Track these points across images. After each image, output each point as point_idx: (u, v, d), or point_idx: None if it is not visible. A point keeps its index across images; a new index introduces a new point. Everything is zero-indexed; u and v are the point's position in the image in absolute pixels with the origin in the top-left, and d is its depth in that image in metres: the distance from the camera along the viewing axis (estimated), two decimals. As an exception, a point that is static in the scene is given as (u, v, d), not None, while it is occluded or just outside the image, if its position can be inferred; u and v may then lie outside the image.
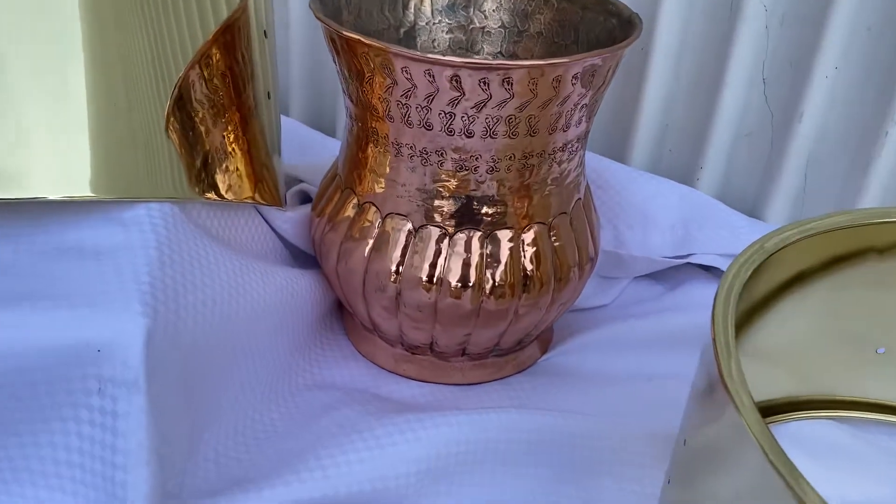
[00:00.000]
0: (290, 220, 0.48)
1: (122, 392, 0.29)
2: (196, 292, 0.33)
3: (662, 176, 0.58)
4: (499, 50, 0.51)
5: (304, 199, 0.56)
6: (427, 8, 0.50)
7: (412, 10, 0.50)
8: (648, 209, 0.54)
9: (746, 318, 0.39)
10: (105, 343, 0.29)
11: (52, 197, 0.32)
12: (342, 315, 0.52)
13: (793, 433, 0.44)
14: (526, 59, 0.50)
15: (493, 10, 0.50)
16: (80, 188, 0.33)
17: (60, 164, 0.33)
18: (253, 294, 0.39)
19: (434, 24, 0.51)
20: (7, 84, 0.32)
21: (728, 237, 0.53)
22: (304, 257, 0.52)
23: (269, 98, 0.44)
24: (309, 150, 0.65)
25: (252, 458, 0.36)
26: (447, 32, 0.51)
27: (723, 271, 0.53)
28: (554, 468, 0.38)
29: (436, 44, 0.51)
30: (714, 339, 0.30)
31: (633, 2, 0.56)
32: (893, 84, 0.49)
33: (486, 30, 0.51)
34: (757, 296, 0.38)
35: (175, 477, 0.32)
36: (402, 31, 0.50)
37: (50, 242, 0.32)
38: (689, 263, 0.54)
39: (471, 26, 0.51)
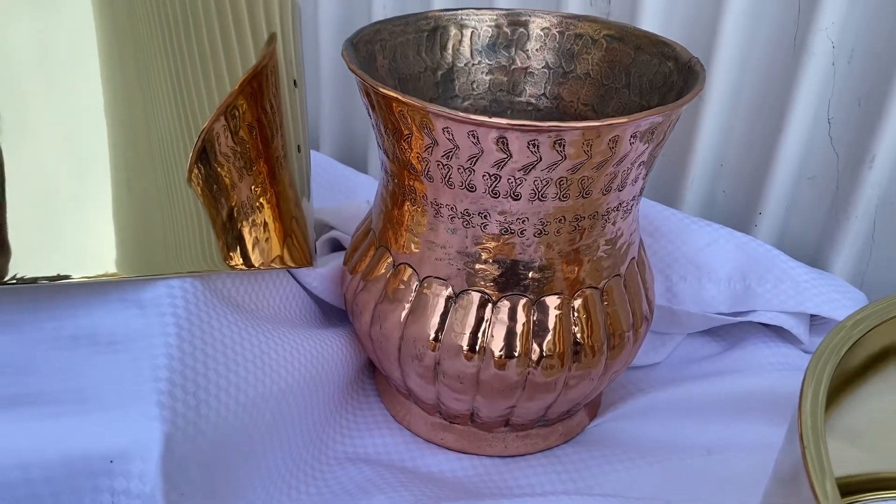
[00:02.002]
0: (319, 276, 0.45)
1: (137, 509, 0.26)
2: (219, 380, 0.30)
3: (717, 219, 0.54)
4: (542, 92, 0.48)
5: (335, 246, 0.53)
6: (466, 48, 0.47)
7: (450, 52, 0.47)
8: (703, 259, 0.50)
9: (831, 397, 0.35)
10: (119, 453, 0.26)
11: (76, 277, 0.29)
12: (374, 374, 0.49)
13: (871, 517, 0.40)
14: (572, 101, 0.47)
15: (537, 50, 0.47)
16: (101, 266, 0.30)
17: (79, 240, 0.30)
18: (281, 371, 0.36)
19: (473, 65, 0.47)
20: (32, 154, 0.29)
21: (791, 292, 0.49)
22: (335, 311, 0.49)
23: (299, 151, 0.41)
24: (339, 187, 0.62)
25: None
26: (487, 73, 0.48)
27: (785, 329, 0.49)
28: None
29: (475, 85, 0.48)
30: (801, 436, 0.27)
31: (687, 34, 0.52)
32: (977, 127, 0.45)
33: (528, 70, 0.48)
34: (843, 374, 0.34)
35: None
36: (439, 73, 0.47)
37: (60, 329, 0.29)
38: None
39: (512, 67, 0.48)
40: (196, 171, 0.35)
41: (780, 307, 0.48)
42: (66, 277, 0.29)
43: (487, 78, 0.48)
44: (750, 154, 0.54)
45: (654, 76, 0.43)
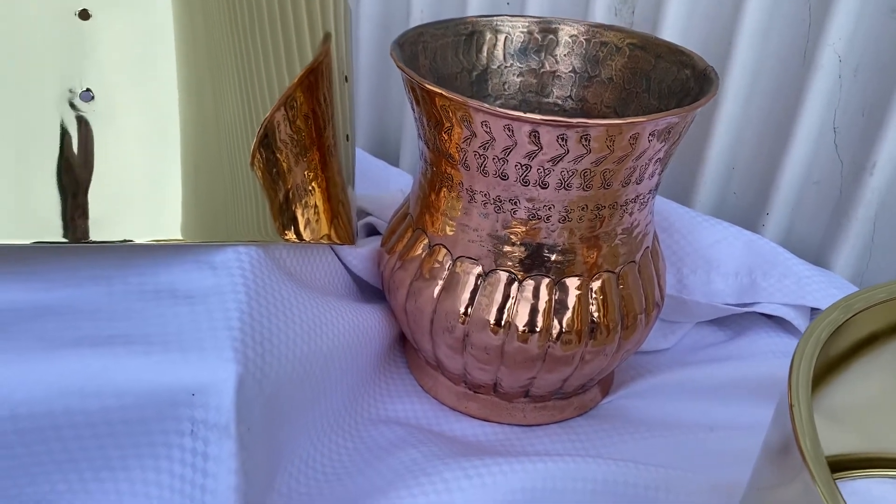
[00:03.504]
0: (359, 255, 0.49)
1: (214, 435, 0.31)
2: (280, 335, 0.35)
3: (727, 218, 0.58)
4: (568, 94, 0.52)
5: (371, 231, 0.58)
6: (500, 52, 0.51)
7: (485, 54, 0.51)
8: (712, 255, 0.54)
9: (820, 377, 0.38)
10: (199, 387, 0.31)
11: (141, 240, 0.34)
12: (405, 349, 0.53)
13: (859, 491, 0.44)
14: (595, 104, 0.51)
15: (565, 55, 0.51)
16: (171, 232, 0.34)
17: (152, 209, 0.34)
18: (328, 334, 0.40)
19: (506, 67, 0.52)
20: (118, 133, 0.33)
21: (793, 287, 0.52)
22: (371, 290, 0.53)
23: (347, 140, 0.46)
24: (373, 179, 0.66)
25: (323, 495, 0.37)
26: (518, 76, 0.52)
27: (787, 321, 0.53)
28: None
29: (507, 86, 0.52)
30: (791, 406, 0.31)
31: (704, 46, 0.56)
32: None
33: (556, 74, 0.52)
34: (832, 356, 0.38)
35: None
36: (474, 73, 0.51)
37: (144, 284, 0.34)
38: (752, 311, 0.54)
39: (542, 70, 0.52)
40: (258, 155, 0.40)
41: (782, 300, 0.52)
42: (136, 240, 0.33)
43: (518, 80, 0.52)
44: (759, 158, 0.57)
45: (673, 82, 0.47)
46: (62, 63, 0.33)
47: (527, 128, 0.37)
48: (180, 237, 0.35)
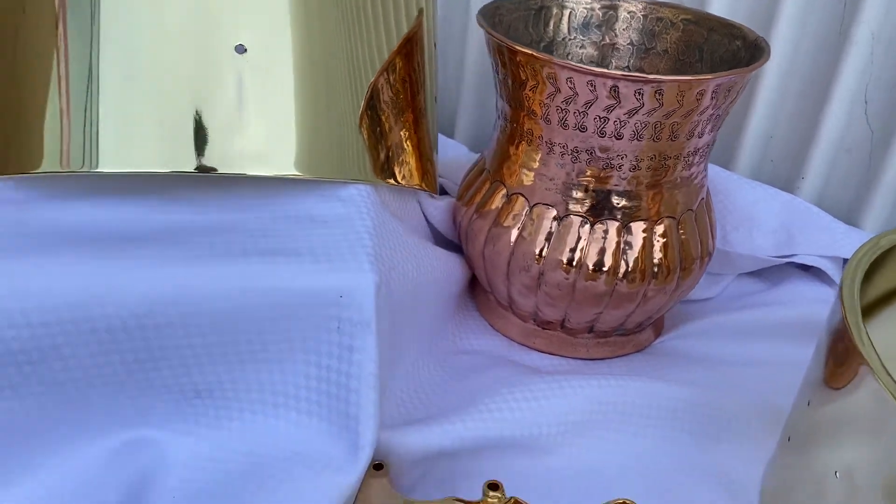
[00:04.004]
0: (438, 207, 0.55)
1: (358, 330, 0.36)
2: (393, 260, 0.40)
3: (765, 182, 0.63)
4: (626, 65, 0.57)
5: (441, 192, 0.63)
6: (565, 25, 0.57)
7: (552, 27, 0.56)
8: (753, 213, 0.60)
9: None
10: (346, 290, 0.36)
11: (281, 174, 0.39)
12: (474, 294, 0.59)
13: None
14: (652, 73, 0.56)
15: (624, 29, 0.57)
16: (303, 169, 0.40)
17: (289, 149, 0.40)
18: (423, 267, 0.45)
19: (570, 39, 0.57)
20: (264, 84, 0.39)
21: (828, 241, 0.58)
22: (444, 242, 0.58)
23: (434, 101, 0.51)
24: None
25: (426, 404, 0.43)
26: (580, 48, 0.57)
27: (822, 271, 0.59)
28: (686, 433, 0.44)
29: (570, 57, 0.57)
30: (844, 315, 0.36)
31: (748, 23, 0.62)
32: None
33: (615, 46, 0.57)
34: (867, 299, 0.43)
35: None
36: (542, 45, 0.57)
37: (287, 210, 0.39)
38: (790, 263, 0.59)
39: (602, 43, 0.57)
40: (366, 113, 0.45)
41: (818, 252, 0.57)
42: (279, 174, 0.39)
43: (581, 51, 0.57)
44: (796, 127, 0.63)
45: (724, 53, 0.52)
46: (225, 21, 0.38)
47: (609, 83, 0.42)
48: (309, 175, 0.40)
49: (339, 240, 0.38)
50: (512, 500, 0.36)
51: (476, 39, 0.71)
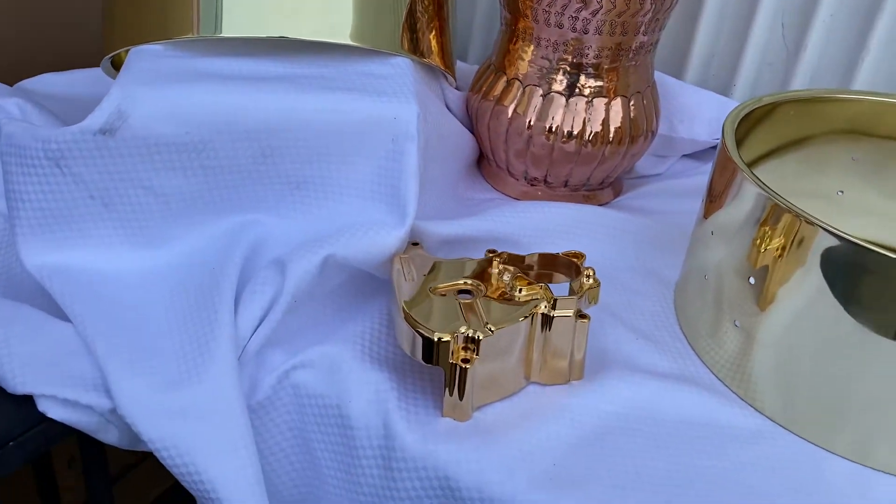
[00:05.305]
0: (454, 94, 0.73)
1: (408, 143, 0.54)
2: (427, 113, 0.58)
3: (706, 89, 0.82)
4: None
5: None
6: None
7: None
8: (695, 110, 0.78)
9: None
10: (398, 114, 0.54)
11: (346, 42, 0.57)
12: (480, 166, 0.77)
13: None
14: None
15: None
16: (358, 39, 0.58)
17: (348, 22, 0.58)
18: (446, 129, 0.64)
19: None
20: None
21: (749, 129, 0.76)
22: (457, 126, 0.77)
23: (455, 14, 0.69)
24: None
25: (447, 216, 0.62)
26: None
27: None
28: (630, 244, 0.63)
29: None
30: (723, 138, 0.54)
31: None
32: (870, 26, 0.72)
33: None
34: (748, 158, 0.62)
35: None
36: (534, -25, 0.74)
37: (359, 68, 0.57)
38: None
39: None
40: (405, 29, 0.62)
41: (740, 136, 0.75)
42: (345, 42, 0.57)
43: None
44: (731, 47, 0.81)
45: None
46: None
47: (578, -10, 0.60)
48: (372, 45, 0.58)
49: (392, 85, 0.56)
50: (504, 254, 0.54)
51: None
